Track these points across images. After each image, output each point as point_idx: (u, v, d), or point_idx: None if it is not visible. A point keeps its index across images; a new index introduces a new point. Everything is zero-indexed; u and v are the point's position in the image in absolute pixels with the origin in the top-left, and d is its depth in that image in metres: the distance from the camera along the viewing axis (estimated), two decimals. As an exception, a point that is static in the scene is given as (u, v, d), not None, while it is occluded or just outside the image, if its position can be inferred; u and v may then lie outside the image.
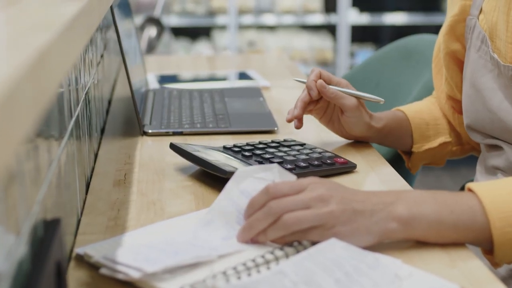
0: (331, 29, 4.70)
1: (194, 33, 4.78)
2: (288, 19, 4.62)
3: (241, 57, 3.13)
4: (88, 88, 1.19)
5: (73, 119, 0.98)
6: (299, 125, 1.25)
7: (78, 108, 1.04)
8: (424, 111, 1.37)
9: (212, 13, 4.61)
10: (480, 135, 1.20)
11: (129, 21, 1.61)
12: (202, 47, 4.67)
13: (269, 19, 4.62)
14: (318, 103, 1.26)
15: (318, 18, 4.62)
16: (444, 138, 1.36)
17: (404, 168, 1.56)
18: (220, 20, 4.61)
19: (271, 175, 0.93)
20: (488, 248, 0.91)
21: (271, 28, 4.80)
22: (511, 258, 0.91)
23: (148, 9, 3.15)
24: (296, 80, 1.31)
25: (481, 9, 1.16)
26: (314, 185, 0.89)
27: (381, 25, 4.69)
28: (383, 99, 1.27)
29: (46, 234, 0.72)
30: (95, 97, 1.32)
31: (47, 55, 0.56)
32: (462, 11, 1.22)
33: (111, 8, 1.31)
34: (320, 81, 1.23)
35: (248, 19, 4.61)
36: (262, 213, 0.87)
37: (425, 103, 1.40)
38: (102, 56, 1.48)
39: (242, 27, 4.71)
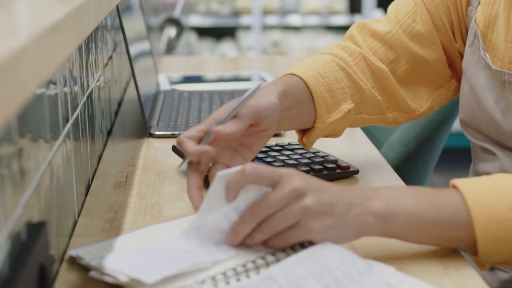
0: (356, 30, 4.67)
1: (218, 33, 4.79)
2: (313, 20, 4.61)
3: (263, 59, 3.13)
4: (91, 90, 1.20)
5: (71, 121, 0.98)
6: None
7: (78, 110, 1.05)
8: (324, 72, 1.12)
9: (236, 13, 4.61)
10: (474, 133, 1.14)
11: (140, 22, 1.62)
12: (226, 47, 4.67)
13: (293, 19, 4.61)
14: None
15: (343, 19, 4.60)
16: (348, 104, 1.12)
17: (413, 173, 1.55)
18: (244, 20, 4.61)
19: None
20: (473, 249, 0.88)
21: (296, 28, 4.79)
22: (496, 258, 0.88)
23: (170, 9, 3.16)
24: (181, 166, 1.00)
25: (480, 0, 1.10)
26: (289, 176, 0.85)
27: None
28: (259, 83, 1.00)
29: (29, 237, 0.72)
30: (101, 99, 1.32)
31: (19, 59, 0.56)
32: None
33: (118, 10, 1.31)
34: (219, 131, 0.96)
35: (272, 20, 4.61)
36: (243, 219, 0.86)
37: (322, 57, 1.15)
38: (110, 57, 1.49)
39: (267, 28, 4.71)
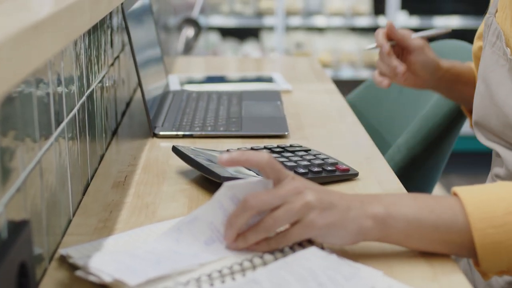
0: (379, 31, 4.65)
1: (242, 33, 4.79)
2: (337, 21, 4.59)
3: (284, 59, 3.12)
4: (93, 90, 1.20)
5: (65, 120, 0.99)
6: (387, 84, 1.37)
7: (74, 110, 1.05)
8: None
9: (260, 14, 4.61)
10: (485, 132, 1.17)
11: (150, 22, 1.62)
12: (250, 48, 4.67)
13: (317, 21, 4.60)
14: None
15: (367, 21, 4.58)
16: None
17: (419, 177, 1.54)
18: (267, 21, 4.61)
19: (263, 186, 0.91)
20: (474, 256, 0.88)
21: (319, 29, 4.78)
22: (497, 264, 0.88)
23: (189, 9, 3.17)
24: (369, 49, 1.44)
25: (498, 7, 1.17)
26: (291, 179, 0.88)
27: (431, 28, 4.62)
28: (450, 28, 1.40)
29: (10, 236, 0.73)
30: (105, 98, 1.32)
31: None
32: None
33: (123, 10, 1.31)
34: (389, 24, 1.35)
35: (296, 21, 4.60)
36: (239, 210, 0.86)
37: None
38: (117, 57, 1.49)
39: (290, 29, 4.70)
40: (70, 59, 1.03)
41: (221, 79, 1.93)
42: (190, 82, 1.89)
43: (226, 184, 0.90)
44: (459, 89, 1.40)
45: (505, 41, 1.12)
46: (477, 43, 1.28)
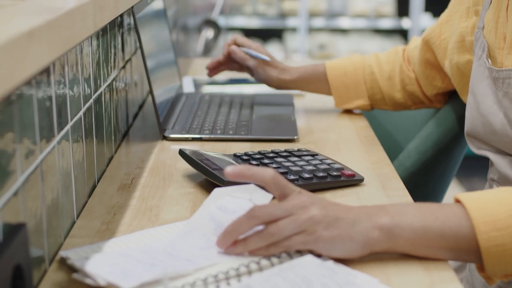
0: (403, 33, 4.64)
1: (265, 34, 4.79)
2: (360, 23, 4.58)
3: (306, 63, 3.11)
4: (101, 92, 1.21)
5: (70, 123, 1.00)
6: (211, 75, 1.63)
7: (80, 113, 1.06)
8: (348, 74, 1.56)
9: (283, 15, 4.61)
10: (476, 142, 1.21)
11: (162, 25, 1.63)
12: (273, 49, 4.68)
13: (341, 22, 4.59)
14: (231, 64, 1.61)
15: (391, 22, 4.57)
16: (362, 101, 1.57)
17: (430, 182, 1.53)
18: (291, 22, 4.61)
19: (248, 194, 0.95)
20: (480, 261, 0.89)
21: (343, 31, 4.77)
22: (502, 268, 0.89)
23: (210, 10, 3.18)
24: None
25: (484, 22, 1.21)
26: (297, 194, 0.90)
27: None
28: (268, 58, 1.55)
29: (5, 238, 0.73)
30: (114, 101, 1.33)
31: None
32: (474, 25, 1.27)
33: (133, 14, 1.32)
34: (232, 48, 1.56)
35: (319, 22, 4.60)
36: (245, 217, 0.88)
37: (355, 60, 1.58)
38: (129, 59, 1.50)
39: (313, 30, 4.70)
40: (76, 62, 1.04)
41: (243, 81, 1.94)
42: (212, 83, 1.90)
43: (212, 197, 0.96)
44: (312, 89, 1.60)
45: (488, 52, 1.16)
46: (464, 55, 1.31)
